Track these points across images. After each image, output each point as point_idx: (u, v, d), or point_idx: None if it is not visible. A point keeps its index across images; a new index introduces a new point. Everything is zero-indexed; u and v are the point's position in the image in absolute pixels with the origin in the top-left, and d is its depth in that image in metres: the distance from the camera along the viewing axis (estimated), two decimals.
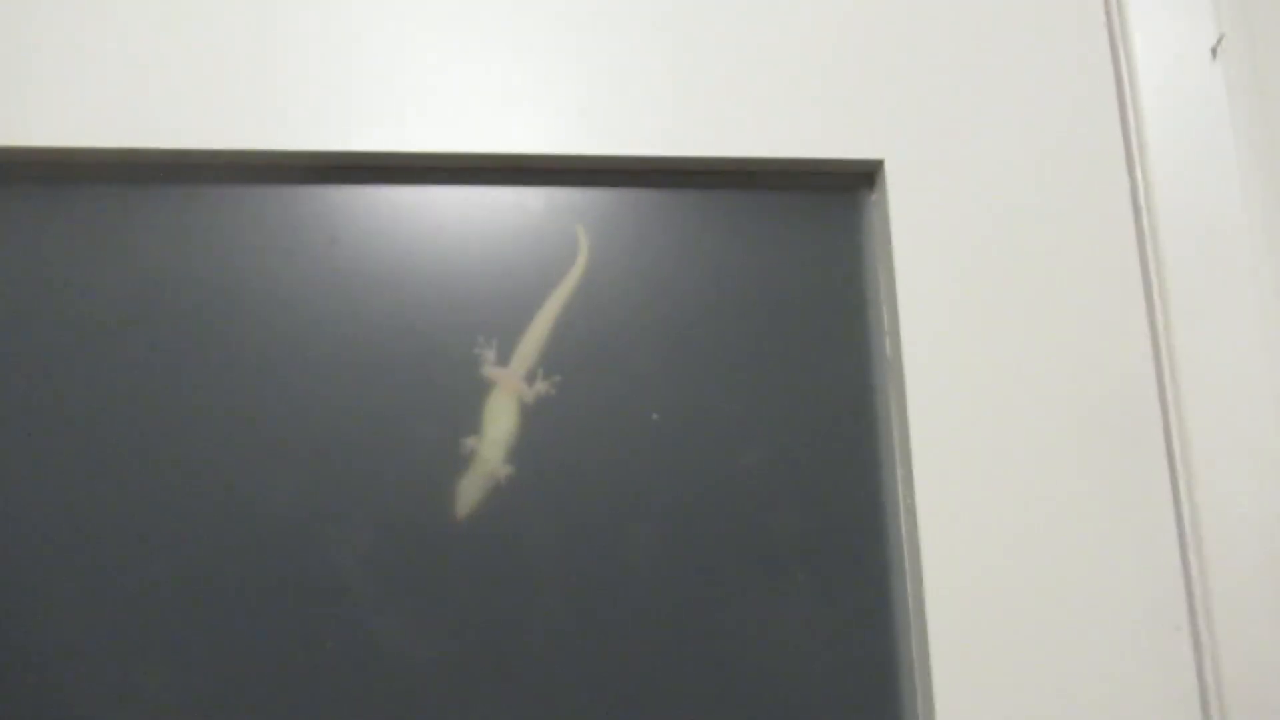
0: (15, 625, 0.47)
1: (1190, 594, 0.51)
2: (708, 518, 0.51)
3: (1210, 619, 0.50)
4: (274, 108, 0.51)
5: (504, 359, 0.52)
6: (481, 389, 0.51)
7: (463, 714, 0.48)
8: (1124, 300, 0.54)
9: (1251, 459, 0.52)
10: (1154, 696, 0.49)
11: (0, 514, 0.48)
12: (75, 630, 0.47)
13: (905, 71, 0.55)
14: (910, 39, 0.56)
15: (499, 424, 0.51)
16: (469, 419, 0.51)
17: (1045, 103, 0.56)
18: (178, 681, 0.47)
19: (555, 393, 0.52)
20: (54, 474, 0.49)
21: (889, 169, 0.54)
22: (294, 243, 0.52)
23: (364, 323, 0.52)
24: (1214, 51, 0.57)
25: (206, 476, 0.49)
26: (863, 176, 0.56)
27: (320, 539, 0.49)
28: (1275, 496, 0.52)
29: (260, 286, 0.52)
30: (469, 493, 0.50)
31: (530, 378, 0.52)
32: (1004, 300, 0.53)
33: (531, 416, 0.51)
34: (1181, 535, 0.51)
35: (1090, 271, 0.54)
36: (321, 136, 0.51)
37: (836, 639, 0.51)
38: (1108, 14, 0.58)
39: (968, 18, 0.56)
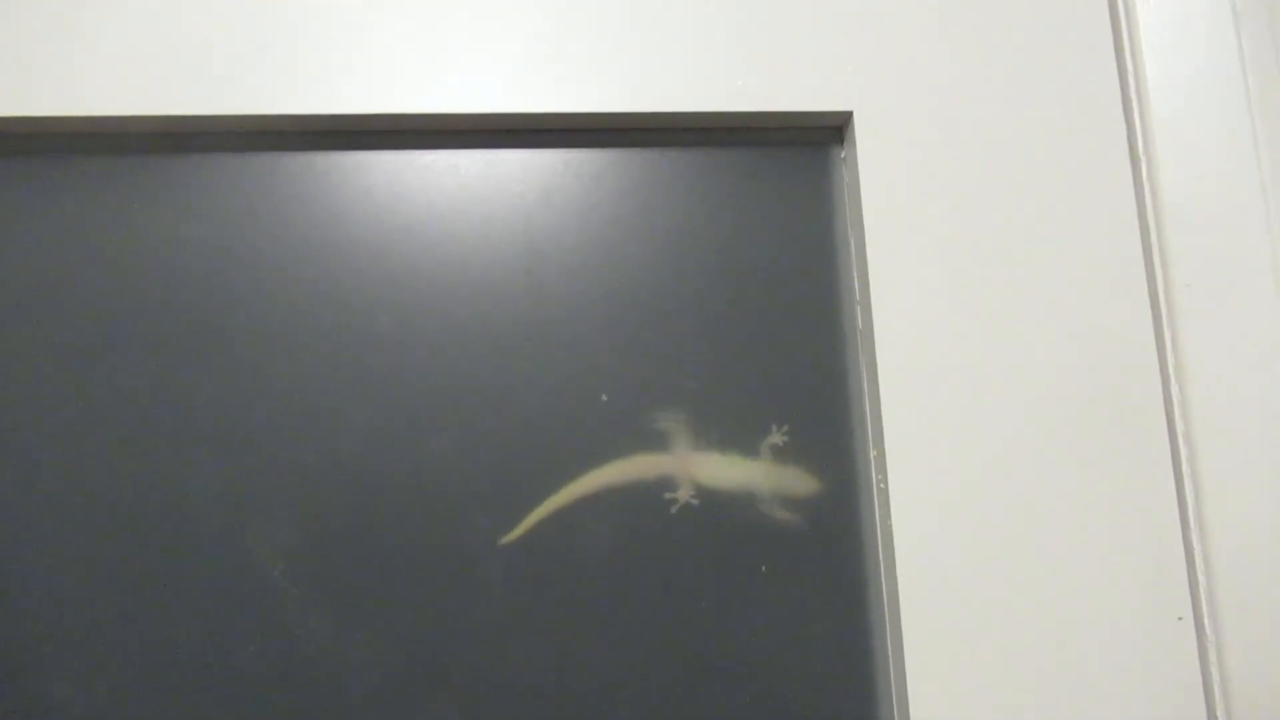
0: None
1: (1193, 583, 0.47)
2: (666, 505, 0.47)
3: (1214, 610, 0.46)
4: (182, 70, 0.47)
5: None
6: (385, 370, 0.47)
7: (402, 705, 0.45)
8: (1121, 264, 0.49)
9: (1260, 441, 0.48)
10: (1156, 688, 0.45)
11: None
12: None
13: (875, 12, 0.50)
14: None
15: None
16: (386, 397, 0.47)
17: (1032, 45, 0.50)
18: (102, 675, 0.44)
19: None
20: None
21: (858, 122, 0.49)
22: (207, 211, 0.48)
23: (282, 297, 0.48)
24: None
25: (114, 458, 0.46)
26: (831, 131, 0.51)
27: (243, 522, 0.45)
28: None
29: (170, 260, 0.48)
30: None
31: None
32: (985, 266, 0.48)
33: (472, 397, 0.47)
34: (1185, 522, 0.47)
35: (1082, 232, 0.49)
36: (237, 99, 0.47)
37: (804, 633, 0.47)
38: None
39: None
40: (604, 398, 0.48)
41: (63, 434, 0.46)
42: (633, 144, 0.50)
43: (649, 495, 0.47)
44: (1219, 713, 0.45)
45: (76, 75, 0.47)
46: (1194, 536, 0.47)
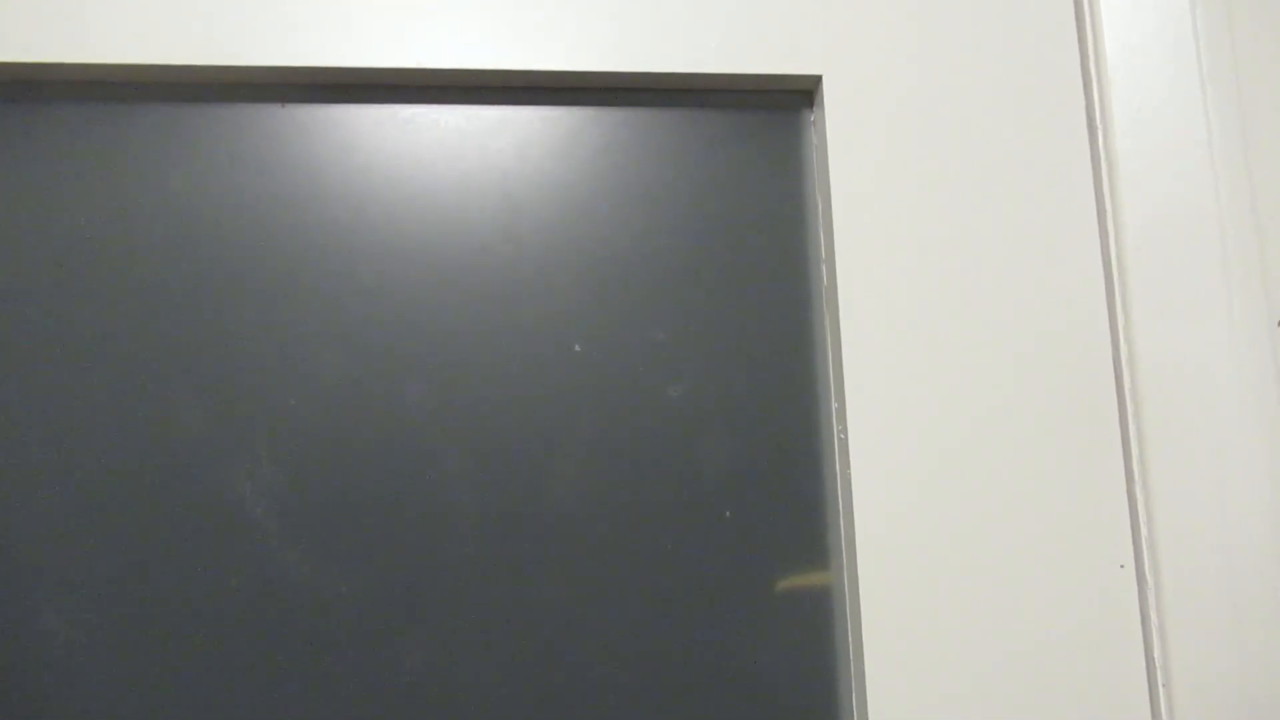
0: None
1: (1136, 533, 0.49)
2: (633, 452, 0.49)
3: (1154, 558, 0.48)
4: (164, 21, 0.48)
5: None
6: (370, 317, 0.49)
7: (375, 651, 0.47)
8: (1076, 228, 0.51)
9: (1201, 392, 0.50)
10: (1096, 634, 0.47)
11: None
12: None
13: None
14: None
15: None
16: (365, 345, 0.49)
17: (996, 17, 0.52)
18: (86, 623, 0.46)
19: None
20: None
21: (827, 86, 0.51)
22: (190, 159, 0.49)
23: (264, 246, 0.49)
24: None
25: (97, 399, 0.47)
26: (801, 95, 0.53)
27: (227, 463, 0.47)
28: (1222, 430, 0.50)
29: (153, 209, 0.49)
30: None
31: None
32: (946, 227, 0.50)
33: (449, 346, 0.49)
34: (1129, 476, 0.49)
35: (1040, 197, 0.51)
36: (220, 52, 0.48)
37: (765, 576, 0.49)
38: None
39: None
40: (576, 347, 0.50)
41: (52, 375, 0.47)
42: (608, 103, 0.52)
43: (620, 432, 0.49)
44: (1155, 653, 0.48)
45: (65, 23, 0.48)
46: (1137, 490, 0.49)
